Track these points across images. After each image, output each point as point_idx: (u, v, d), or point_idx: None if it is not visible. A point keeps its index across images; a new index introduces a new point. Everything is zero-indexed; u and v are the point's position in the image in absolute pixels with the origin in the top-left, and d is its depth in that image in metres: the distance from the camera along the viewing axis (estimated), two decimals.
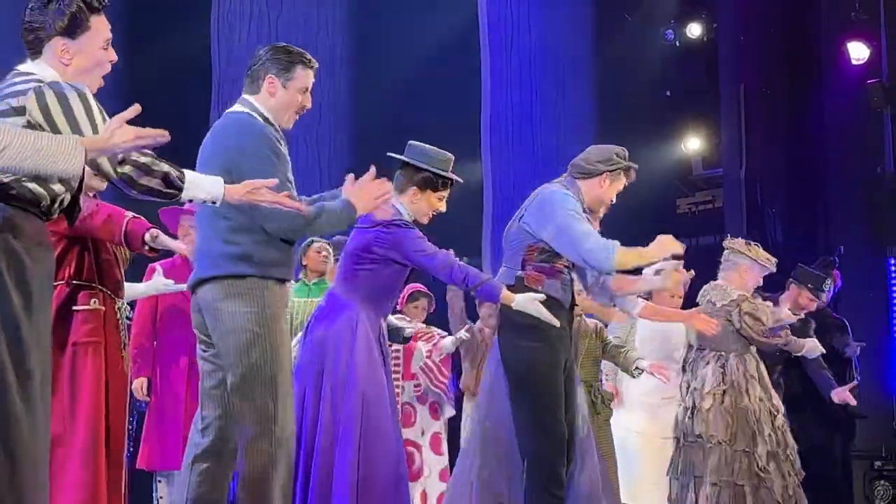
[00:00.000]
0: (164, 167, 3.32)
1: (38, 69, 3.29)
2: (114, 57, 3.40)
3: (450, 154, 4.91)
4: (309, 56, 4.16)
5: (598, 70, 9.82)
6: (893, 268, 8.92)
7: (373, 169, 4.07)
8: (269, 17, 8.59)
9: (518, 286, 4.84)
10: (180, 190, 3.34)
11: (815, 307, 7.30)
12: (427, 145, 4.93)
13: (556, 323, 4.71)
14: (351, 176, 4.12)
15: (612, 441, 6.12)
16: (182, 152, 3.68)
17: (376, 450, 4.59)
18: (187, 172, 3.41)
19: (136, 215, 4.48)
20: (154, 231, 4.49)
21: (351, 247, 4.82)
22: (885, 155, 8.94)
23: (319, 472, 4.54)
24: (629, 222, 10.02)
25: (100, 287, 4.43)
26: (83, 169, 3.01)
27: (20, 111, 3.16)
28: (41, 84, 3.19)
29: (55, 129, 3.14)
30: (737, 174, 10.14)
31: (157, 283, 5.15)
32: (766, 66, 10.02)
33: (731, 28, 10.33)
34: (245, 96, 4.13)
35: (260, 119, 4.10)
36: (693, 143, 11.44)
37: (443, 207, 4.93)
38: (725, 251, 6.37)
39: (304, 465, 4.54)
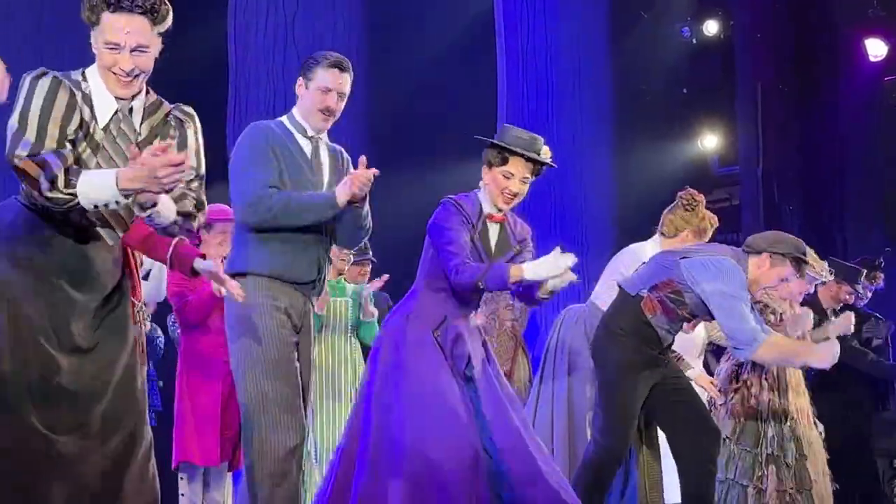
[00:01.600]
0: (62, 171, 3.12)
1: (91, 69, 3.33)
2: (121, 63, 3.22)
3: (531, 133, 4.61)
4: (331, 57, 4.18)
5: (614, 68, 9.81)
6: None
7: (363, 157, 4.04)
8: (284, 14, 8.60)
9: (627, 301, 4.84)
10: (71, 197, 3.10)
11: (853, 300, 7.29)
12: (516, 126, 4.70)
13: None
14: (363, 158, 4.08)
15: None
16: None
17: (427, 446, 4.37)
18: (83, 173, 3.16)
19: (182, 237, 4.28)
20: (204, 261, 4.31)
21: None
22: None
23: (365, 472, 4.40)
24: (645, 220, 10.04)
25: None
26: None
27: None
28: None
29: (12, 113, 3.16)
30: (754, 172, 10.13)
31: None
32: (783, 63, 10.01)
33: (747, 25, 10.32)
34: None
35: (286, 122, 4.19)
36: (709, 141, 11.43)
37: (513, 187, 4.56)
38: None
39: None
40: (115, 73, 3.23)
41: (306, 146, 4.19)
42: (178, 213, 3.23)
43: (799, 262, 4.95)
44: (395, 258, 6.99)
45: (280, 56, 8.11)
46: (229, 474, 5.75)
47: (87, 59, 3.37)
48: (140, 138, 3.31)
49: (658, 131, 11.01)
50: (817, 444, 5.91)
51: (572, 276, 4.37)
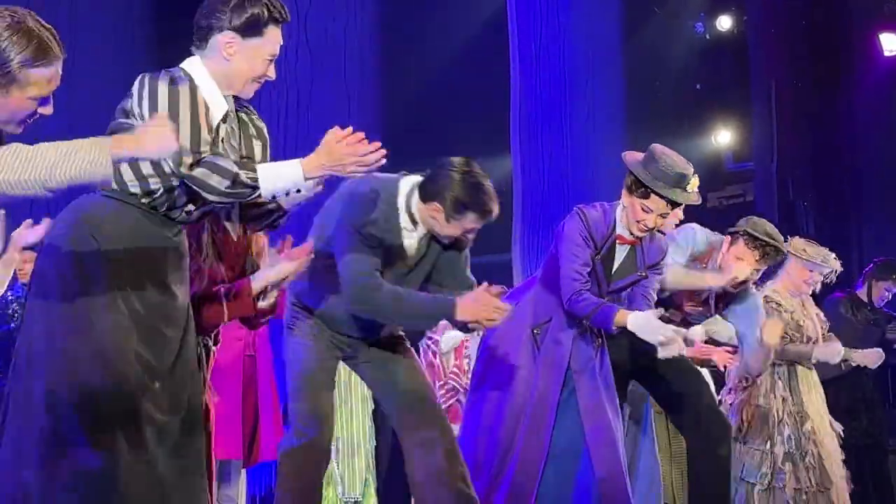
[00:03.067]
0: (234, 166, 3.16)
1: (190, 63, 3.29)
2: (272, 74, 3.32)
3: (681, 167, 4.50)
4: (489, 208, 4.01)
5: (627, 64, 9.80)
6: None
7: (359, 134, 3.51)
8: (297, 11, 8.60)
9: None
10: (253, 188, 3.17)
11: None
12: (667, 151, 4.55)
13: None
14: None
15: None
16: None
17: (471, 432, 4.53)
18: (259, 167, 3.23)
19: None
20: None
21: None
22: None
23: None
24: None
25: None
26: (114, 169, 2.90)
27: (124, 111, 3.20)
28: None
29: (141, 109, 3.14)
30: (768, 168, 10.10)
31: None
32: (797, 58, 9.97)
33: (761, 20, 10.29)
34: None
35: None
36: (723, 137, 11.41)
37: (650, 222, 4.46)
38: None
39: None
40: (259, 82, 3.31)
41: None
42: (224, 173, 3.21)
43: (754, 240, 4.95)
44: None
45: (292, 56, 8.11)
46: (243, 471, 5.79)
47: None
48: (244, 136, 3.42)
49: (671, 127, 10.98)
50: (833, 444, 5.89)
51: (680, 348, 4.36)
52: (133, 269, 3.18)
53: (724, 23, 11.14)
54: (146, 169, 3.11)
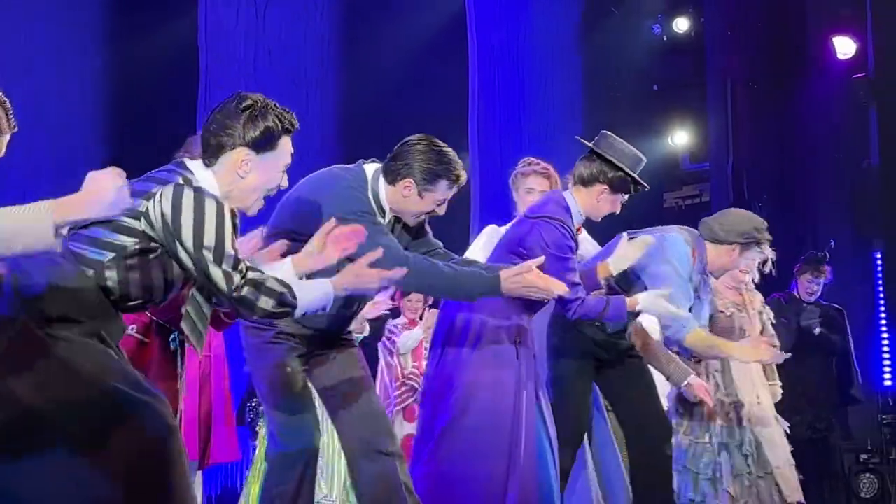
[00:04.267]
0: (279, 285, 3.17)
1: (199, 170, 3.20)
2: (285, 183, 3.32)
3: (639, 154, 4.60)
4: (459, 171, 4.03)
5: (585, 64, 9.83)
6: (879, 261, 8.95)
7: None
8: (256, 8, 8.57)
9: None
10: (294, 307, 3.19)
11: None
12: (622, 141, 4.61)
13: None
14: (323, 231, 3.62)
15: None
16: (168, 144, 3.67)
17: (482, 460, 4.40)
18: (294, 284, 3.23)
19: None
20: None
21: (508, 235, 4.61)
22: (871, 149, 8.97)
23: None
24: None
25: (150, 316, 4.15)
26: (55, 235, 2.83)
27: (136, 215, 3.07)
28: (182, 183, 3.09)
29: (173, 230, 3.05)
30: (724, 168, 10.16)
31: None
32: (753, 60, 10.04)
33: (718, 22, 10.35)
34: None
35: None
36: (680, 138, 11.44)
37: (617, 210, 4.66)
38: None
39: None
40: (268, 194, 3.30)
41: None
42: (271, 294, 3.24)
43: (762, 244, 5.05)
44: None
45: (251, 50, 8.08)
46: (199, 472, 5.74)
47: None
48: None
49: (628, 127, 10.99)
50: (777, 435, 5.94)
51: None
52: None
53: (681, 24, 11.18)
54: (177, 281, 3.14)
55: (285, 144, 3.25)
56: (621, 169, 4.54)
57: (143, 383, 3.07)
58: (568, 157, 9.13)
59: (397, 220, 4.10)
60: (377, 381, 7.21)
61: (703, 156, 11.13)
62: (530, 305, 4.55)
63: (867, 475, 8.71)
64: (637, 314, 4.77)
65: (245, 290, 3.10)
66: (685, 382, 5.51)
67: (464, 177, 4.03)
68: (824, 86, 9.46)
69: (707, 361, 5.85)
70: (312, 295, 3.21)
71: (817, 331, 8.15)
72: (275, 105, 3.25)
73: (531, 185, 5.26)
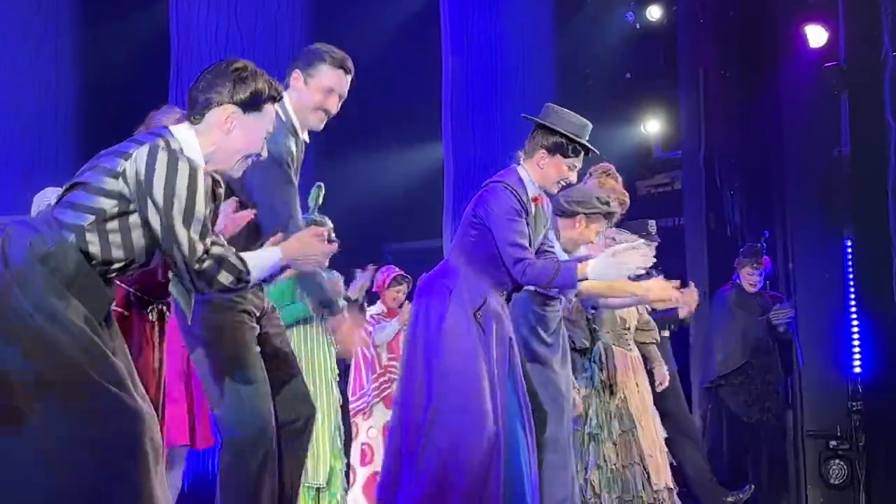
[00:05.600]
0: (238, 262, 3.22)
1: (181, 132, 3.24)
2: (265, 154, 3.40)
3: (587, 121, 4.66)
4: (341, 56, 4.06)
5: (558, 52, 9.83)
6: (849, 249, 9.01)
7: (327, 227, 3.91)
8: None
9: None
10: (249, 283, 3.25)
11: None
12: (566, 109, 4.70)
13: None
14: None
15: None
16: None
17: (453, 439, 4.39)
18: (245, 257, 3.26)
19: None
20: None
21: (467, 209, 4.62)
22: (842, 138, 9.02)
23: (405, 455, 4.45)
24: None
25: (128, 289, 4.12)
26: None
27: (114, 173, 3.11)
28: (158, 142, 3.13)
29: (145, 188, 3.08)
30: (696, 156, 10.19)
31: None
32: (726, 49, 10.06)
33: (690, 11, 10.36)
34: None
35: (282, 116, 3.96)
36: (652, 126, 11.48)
37: (573, 177, 4.68)
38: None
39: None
40: (249, 160, 3.39)
41: (292, 144, 4.00)
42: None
43: (609, 214, 5.11)
44: (340, 237, 6.97)
45: (223, 37, 8.04)
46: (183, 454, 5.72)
47: None
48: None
49: (601, 115, 11.02)
50: (653, 422, 6.01)
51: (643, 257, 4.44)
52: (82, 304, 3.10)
53: (654, 13, 11.19)
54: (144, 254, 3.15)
55: (270, 111, 3.33)
56: (556, 132, 4.59)
57: (119, 372, 3.08)
58: None
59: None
60: (352, 370, 7.21)
61: (675, 144, 11.16)
62: (500, 284, 4.54)
63: (837, 462, 8.82)
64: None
65: (206, 263, 3.12)
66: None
67: (348, 61, 4.10)
68: (796, 74, 9.49)
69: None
70: (262, 267, 3.26)
71: (782, 329, 8.35)
72: (264, 72, 3.33)
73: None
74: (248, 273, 3.20)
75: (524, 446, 4.57)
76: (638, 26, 11.36)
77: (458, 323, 4.47)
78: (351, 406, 7.04)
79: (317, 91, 3.98)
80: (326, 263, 3.40)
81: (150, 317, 4.09)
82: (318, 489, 5.92)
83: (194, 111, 3.27)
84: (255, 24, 8.27)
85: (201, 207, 3.11)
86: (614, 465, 5.80)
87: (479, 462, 4.38)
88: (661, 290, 5.13)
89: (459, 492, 4.35)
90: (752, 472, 8.27)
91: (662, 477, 5.91)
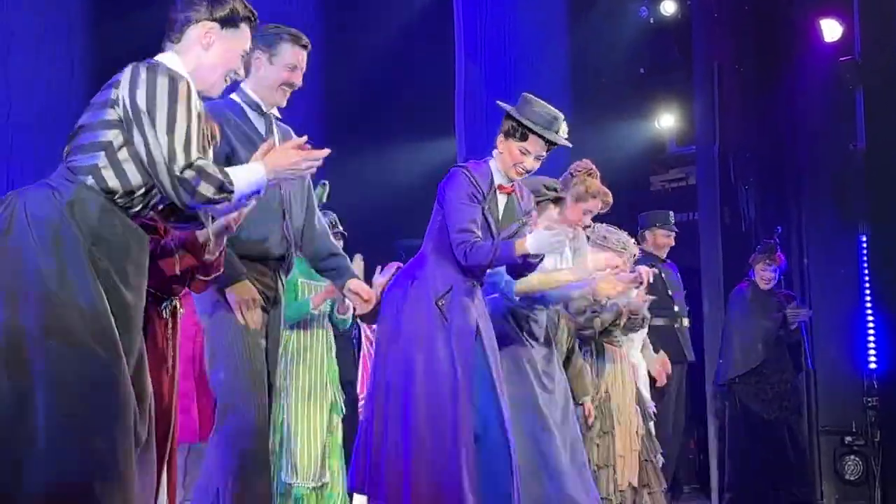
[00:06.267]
0: (219, 172, 3.23)
1: (164, 56, 3.35)
2: (242, 73, 3.51)
3: (553, 110, 4.67)
4: (297, 33, 4.16)
5: (571, 47, 9.81)
6: (864, 245, 8.98)
7: (304, 138, 3.90)
8: None
9: None
10: (232, 193, 3.23)
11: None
12: (540, 100, 4.70)
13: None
14: (270, 141, 3.93)
15: None
16: None
17: (420, 424, 4.41)
18: (229, 171, 3.29)
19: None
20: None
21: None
22: (857, 132, 8.98)
23: (370, 443, 4.44)
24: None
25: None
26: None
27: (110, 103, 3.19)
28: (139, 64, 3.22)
29: (130, 105, 3.14)
30: (710, 151, 10.16)
31: None
32: (740, 43, 10.04)
33: (704, 5, 10.34)
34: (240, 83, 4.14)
35: (236, 98, 4.13)
36: (666, 121, 11.47)
37: (528, 163, 4.65)
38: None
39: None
40: (229, 79, 3.48)
41: (259, 124, 4.13)
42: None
43: (559, 200, 5.15)
44: (352, 233, 6.98)
45: None
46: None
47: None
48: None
49: (615, 110, 11.04)
50: (631, 423, 5.97)
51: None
52: (107, 259, 3.17)
53: (668, 7, 11.18)
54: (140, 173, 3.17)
55: (245, 31, 3.44)
56: (511, 116, 4.62)
57: (112, 337, 3.12)
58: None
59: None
60: (360, 368, 7.20)
61: (689, 139, 11.15)
62: (464, 270, 4.55)
63: (852, 457, 8.83)
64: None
65: (188, 173, 3.14)
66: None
67: (304, 39, 4.16)
68: (811, 69, 9.47)
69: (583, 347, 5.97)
70: (246, 179, 3.25)
71: (794, 328, 8.38)
72: None
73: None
74: (231, 184, 3.20)
75: (504, 445, 4.55)
76: (652, 21, 11.35)
77: (418, 311, 4.48)
78: (360, 399, 7.04)
79: (282, 69, 4.10)
80: (310, 171, 3.37)
81: (164, 314, 4.11)
82: (317, 489, 5.90)
83: (174, 31, 3.38)
84: (266, 20, 8.28)
85: (184, 118, 3.15)
86: (595, 465, 5.81)
87: (440, 449, 4.38)
88: (608, 284, 5.27)
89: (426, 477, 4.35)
90: (775, 469, 8.25)
91: (627, 477, 5.90)
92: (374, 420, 4.44)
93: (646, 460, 6.06)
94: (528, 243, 4.42)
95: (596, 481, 5.68)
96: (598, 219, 6.33)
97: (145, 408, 3.22)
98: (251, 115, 4.13)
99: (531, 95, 4.73)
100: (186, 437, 5.48)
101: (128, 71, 3.19)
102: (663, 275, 7.86)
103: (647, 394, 6.68)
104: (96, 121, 3.18)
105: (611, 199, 5.86)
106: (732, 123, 10.00)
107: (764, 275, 8.38)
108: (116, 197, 3.17)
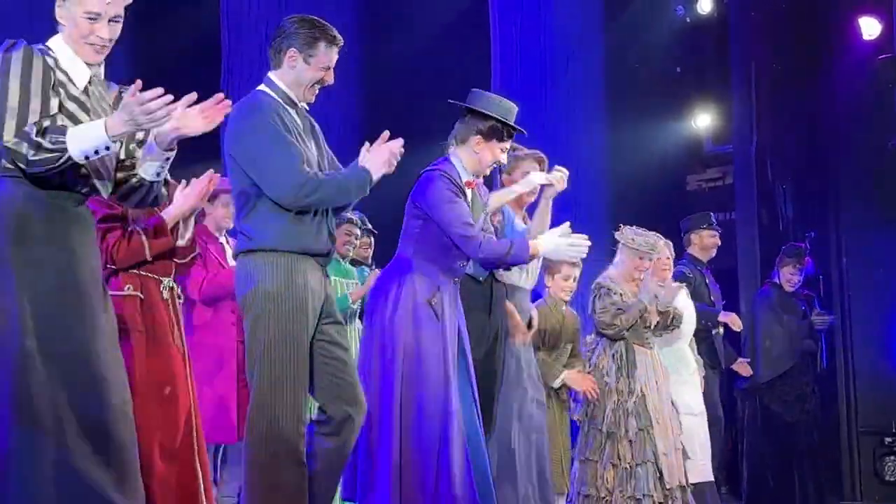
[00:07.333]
0: (41, 131, 3.26)
1: (53, 41, 3.45)
2: (101, 33, 3.40)
3: (512, 104, 4.77)
4: (334, 32, 4.14)
5: (608, 46, 9.81)
6: None
7: (385, 132, 4.04)
8: (279, 3, 8.61)
9: None
10: (63, 150, 3.22)
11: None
12: (491, 93, 4.82)
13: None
14: (366, 144, 4.08)
15: None
16: (188, 140, 3.70)
17: (414, 427, 4.43)
18: (68, 130, 3.29)
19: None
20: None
21: (410, 197, 4.69)
22: None
23: (362, 450, 4.45)
24: (639, 200, 10.06)
25: (138, 271, 4.34)
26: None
27: None
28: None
29: None
30: (747, 150, 10.15)
31: None
32: (777, 41, 10.00)
33: (741, 4, 10.32)
34: (269, 73, 4.16)
35: (272, 94, 4.11)
36: (703, 120, 11.45)
37: (504, 159, 4.82)
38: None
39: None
40: (91, 43, 3.39)
41: (296, 118, 4.14)
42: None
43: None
44: (391, 236, 7.02)
45: (272, 34, 8.11)
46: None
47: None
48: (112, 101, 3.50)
49: (652, 110, 11.02)
50: (669, 422, 6.02)
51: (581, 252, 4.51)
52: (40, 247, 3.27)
53: (705, 6, 11.15)
54: None
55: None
56: (490, 116, 4.68)
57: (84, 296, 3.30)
58: (588, 137, 9.19)
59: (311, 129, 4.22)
60: None
61: (725, 138, 11.13)
62: (451, 271, 4.61)
63: (892, 458, 8.85)
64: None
65: (13, 141, 3.20)
66: (559, 379, 5.83)
67: (340, 38, 4.15)
68: (849, 67, 9.43)
69: (607, 349, 6.09)
70: (83, 136, 3.23)
71: (821, 331, 8.40)
72: None
73: (526, 169, 5.39)
74: (61, 142, 3.20)
75: (482, 441, 4.61)
76: (688, 20, 11.33)
77: (407, 312, 4.51)
78: None
79: (318, 69, 4.09)
80: (152, 121, 3.26)
81: (163, 295, 4.32)
82: None
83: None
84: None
85: (15, 91, 3.21)
86: (628, 463, 5.85)
87: (430, 465, 4.41)
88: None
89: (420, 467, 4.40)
90: (797, 471, 8.27)
91: (676, 476, 5.93)
92: (368, 429, 4.44)
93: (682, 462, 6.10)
94: (542, 247, 4.50)
95: (635, 479, 5.73)
96: (631, 221, 6.41)
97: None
98: (286, 107, 4.13)
99: (486, 92, 4.85)
100: (225, 438, 5.53)
101: None
102: (707, 281, 7.87)
103: (689, 398, 6.72)
104: None
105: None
106: (770, 122, 9.97)
107: (791, 278, 8.38)
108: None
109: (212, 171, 4.39)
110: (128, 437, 3.36)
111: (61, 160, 3.19)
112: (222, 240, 5.80)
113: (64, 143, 3.18)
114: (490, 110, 4.70)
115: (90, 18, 3.36)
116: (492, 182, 5.41)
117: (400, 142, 4.09)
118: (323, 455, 4.04)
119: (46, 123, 3.23)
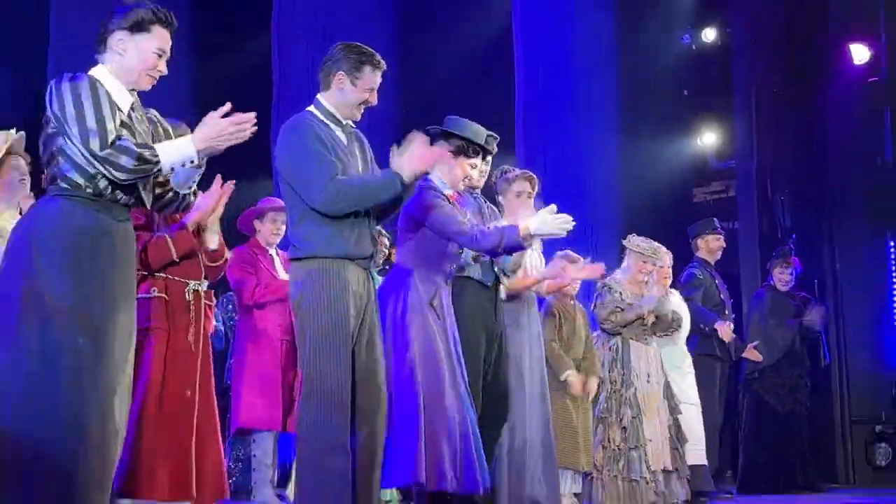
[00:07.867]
0: (136, 145, 3.39)
1: (93, 69, 3.56)
2: (163, 69, 3.57)
3: (482, 127, 4.92)
4: (378, 57, 4.18)
5: (621, 71, 9.88)
6: (892, 249, 9.10)
7: (413, 132, 4.07)
8: (325, 29, 8.74)
9: None
10: (156, 162, 3.38)
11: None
12: (464, 119, 4.95)
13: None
14: (393, 146, 4.09)
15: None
16: (245, 162, 3.87)
17: (437, 409, 4.47)
18: (156, 146, 3.43)
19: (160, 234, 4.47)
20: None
21: (402, 211, 4.64)
22: (885, 147, 9.08)
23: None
24: (649, 211, 10.16)
25: (164, 274, 4.44)
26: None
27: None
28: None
29: (62, 117, 3.39)
30: (749, 166, 10.25)
31: None
32: (777, 66, 10.10)
33: (743, 32, 10.44)
34: (317, 95, 4.20)
35: (318, 114, 4.14)
36: (708, 138, 11.54)
37: (475, 176, 4.92)
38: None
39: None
40: (151, 76, 3.59)
41: (341, 135, 4.17)
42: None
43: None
44: None
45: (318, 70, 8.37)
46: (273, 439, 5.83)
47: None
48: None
49: (661, 129, 11.12)
50: (660, 411, 6.22)
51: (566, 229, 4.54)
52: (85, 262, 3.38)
53: (710, 35, 11.30)
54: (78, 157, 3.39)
55: (159, 32, 3.56)
56: (460, 136, 4.83)
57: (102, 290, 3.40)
58: (605, 154, 9.29)
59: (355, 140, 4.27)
60: None
61: (729, 154, 11.22)
62: (448, 275, 4.72)
63: (882, 445, 8.92)
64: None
65: (106, 152, 3.34)
66: (564, 374, 5.97)
67: (383, 63, 4.19)
68: (841, 89, 9.54)
69: (605, 341, 6.31)
70: (174, 152, 3.41)
71: (817, 327, 8.44)
72: (150, 2, 3.60)
73: (518, 190, 5.53)
74: (155, 156, 3.37)
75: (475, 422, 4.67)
76: (694, 47, 11.47)
77: (416, 312, 4.57)
78: None
79: (364, 91, 4.13)
80: (241, 136, 3.43)
81: (187, 296, 4.44)
82: None
83: (99, 48, 3.58)
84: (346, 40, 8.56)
85: (91, 108, 3.35)
86: (618, 446, 6.04)
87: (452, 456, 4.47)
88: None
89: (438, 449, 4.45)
90: (791, 458, 8.32)
91: (660, 460, 6.13)
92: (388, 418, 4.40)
93: (674, 448, 6.27)
94: (531, 225, 4.47)
95: (628, 461, 5.95)
96: (643, 231, 6.67)
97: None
98: (331, 125, 4.15)
99: (460, 118, 4.98)
100: (270, 425, 5.65)
101: (51, 86, 3.41)
102: (717, 282, 8.01)
103: (689, 390, 6.93)
104: (44, 141, 3.45)
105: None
106: (769, 140, 10.06)
107: (781, 277, 8.45)
108: (86, 188, 3.41)
109: (220, 177, 4.43)
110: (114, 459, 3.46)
111: (154, 170, 3.39)
112: (272, 252, 5.89)
113: (158, 155, 3.37)
114: (460, 131, 4.87)
115: (159, 54, 3.55)
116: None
117: (425, 139, 4.13)
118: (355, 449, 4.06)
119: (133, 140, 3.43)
